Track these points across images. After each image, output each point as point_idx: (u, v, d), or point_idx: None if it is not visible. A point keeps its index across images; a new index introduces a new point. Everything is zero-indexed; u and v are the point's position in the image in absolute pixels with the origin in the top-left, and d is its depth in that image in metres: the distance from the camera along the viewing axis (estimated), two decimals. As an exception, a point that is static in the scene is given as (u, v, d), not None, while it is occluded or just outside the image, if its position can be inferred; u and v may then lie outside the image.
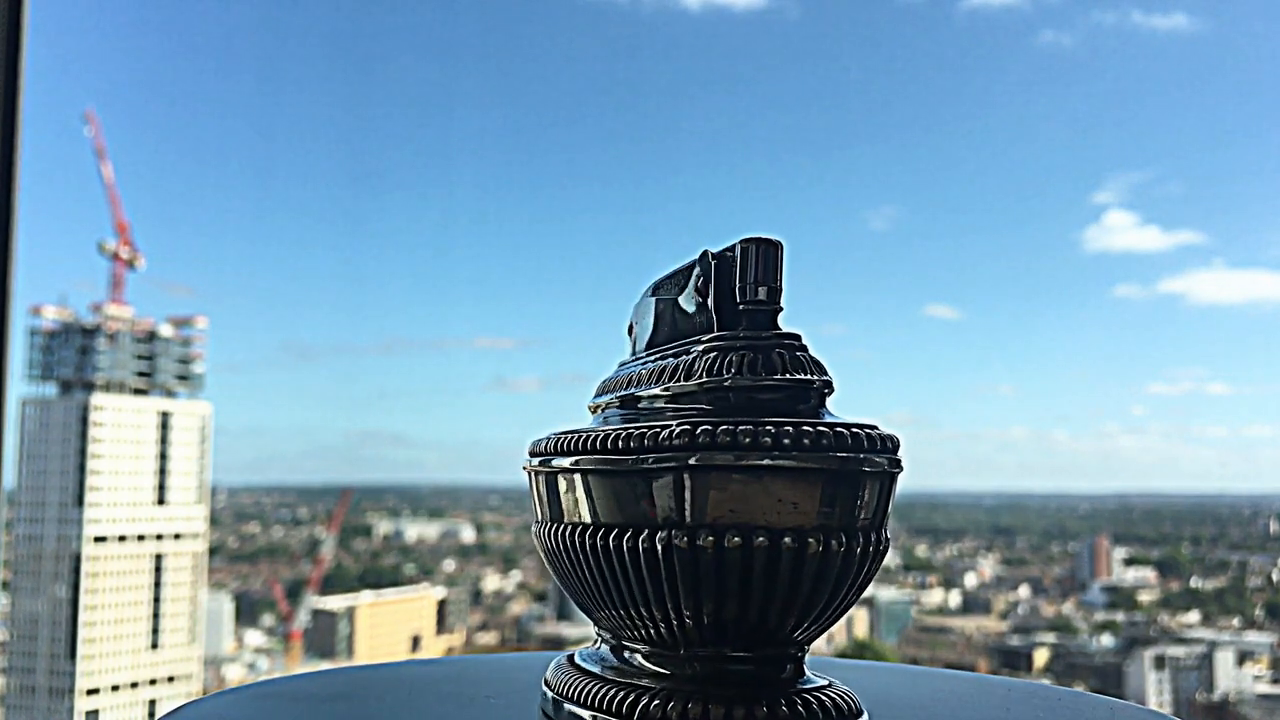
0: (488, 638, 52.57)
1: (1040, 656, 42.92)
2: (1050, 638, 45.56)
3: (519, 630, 51.19)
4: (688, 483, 0.49)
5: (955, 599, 52.39)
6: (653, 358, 0.57)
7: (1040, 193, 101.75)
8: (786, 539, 0.48)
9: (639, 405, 0.55)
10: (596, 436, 0.52)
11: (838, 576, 0.50)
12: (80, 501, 46.06)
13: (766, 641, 0.51)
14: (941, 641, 46.52)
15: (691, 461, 0.48)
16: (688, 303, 0.56)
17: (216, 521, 59.00)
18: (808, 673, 0.53)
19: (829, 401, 0.53)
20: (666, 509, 0.49)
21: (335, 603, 55.56)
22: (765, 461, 0.48)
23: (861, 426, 0.51)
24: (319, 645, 53.54)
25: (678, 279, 0.57)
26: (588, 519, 0.52)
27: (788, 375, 0.51)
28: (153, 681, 46.37)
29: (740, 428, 0.48)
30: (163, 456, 49.06)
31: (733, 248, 0.53)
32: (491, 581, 58.71)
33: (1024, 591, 52.44)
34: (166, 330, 51.60)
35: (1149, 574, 52.36)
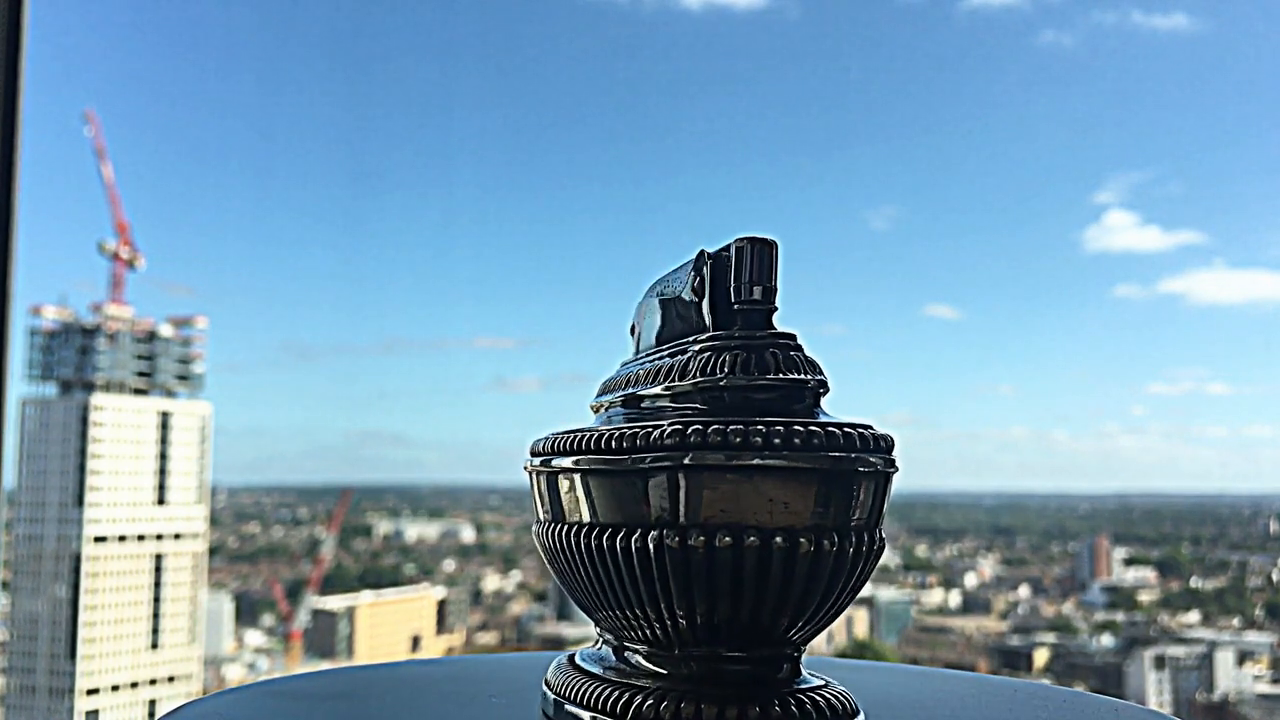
0: (488, 638, 52.57)
1: (1040, 656, 42.92)
2: (1050, 638, 45.55)
3: (519, 630, 51.19)
4: (679, 482, 0.49)
5: (955, 599, 52.39)
6: (651, 357, 0.57)
7: (1040, 193, 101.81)
8: (778, 539, 0.48)
9: (637, 405, 0.55)
10: (592, 436, 0.52)
11: (830, 576, 0.49)
12: (80, 501, 46.06)
13: (761, 642, 0.51)
14: (941, 641, 46.52)
15: (683, 461, 0.48)
16: (685, 303, 0.56)
17: (216, 521, 59.00)
18: (804, 673, 0.53)
19: (825, 401, 0.53)
20: (658, 509, 0.49)
21: (335, 603, 55.55)
22: (755, 461, 0.48)
23: (854, 426, 0.50)
24: (319, 645, 53.54)
25: (676, 279, 0.57)
26: (584, 518, 0.52)
27: (781, 375, 0.51)
28: (153, 681, 46.37)
29: (731, 427, 0.48)
30: (163, 456, 49.06)
31: (729, 247, 0.53)
32: (491, 581, 58.71)
33: (1024, 591, 52.45)
34: (166, 330, 51.60)
35: (1149, 574, 52.36)
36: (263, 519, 66.54)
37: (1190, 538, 56.68)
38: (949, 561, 56.88)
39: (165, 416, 49.74)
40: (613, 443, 0.51)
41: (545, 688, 0.56)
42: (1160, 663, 40.18)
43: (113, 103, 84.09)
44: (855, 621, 48.66)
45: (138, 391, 49.97)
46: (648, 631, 0.52)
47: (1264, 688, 39.33)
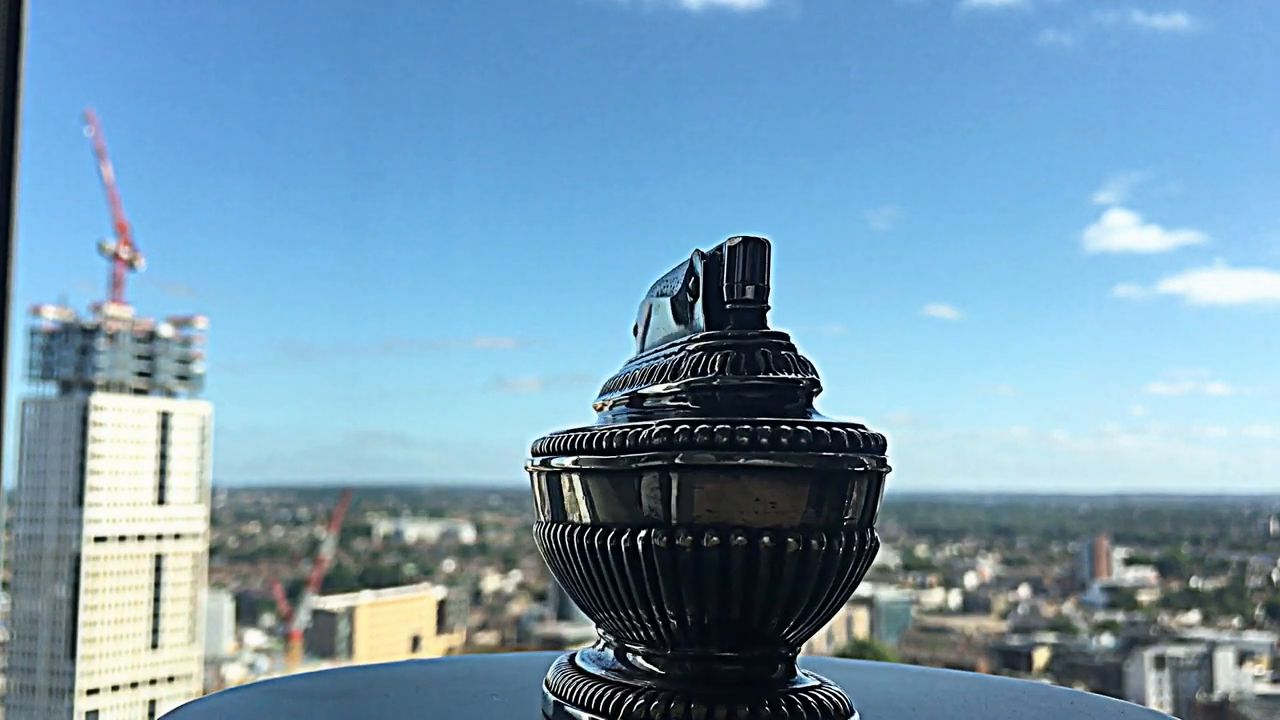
0: (488, 638, 52.59)
1: (1040, 656, 42.94)
2: (1050, 638, 45.57)
3: (519, 630, 51.20)
4: (667, 482, 0.49)
5: (955, 599, 52.40)
6: (648, 357, 0.58)
7: (1040, 193, 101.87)
8: (765, 538, 0.48)
9: (633, 405, 0.56)
10: (587, 436, 0.52)
11: (820, 576, 0.49)
12: (80, 501, 46.07)
13: (754, 642, 0.51)
14: (941, 641, 46.53)
15: (669, 461, 0.49)
16: (681, 302, 0.56)
17: (216, 521, 59.02)
18: (799, 673, 0.53)
19: (819, 401, 0.53)
20: (648, 509, 0.49)
21: (335, 603, 55.57)
22: (741, 461, 0.48)
23: (844, 425, 0.50)
24: (319, 645, 53.55)
25: (675, 278, 0.57)
26: (580, 518, 0.53)
27: (771, 374, 0.51)
28: (153, 681, 46.38)
29: (718, 427, 0.48)
30: (163, 456, 49.07)
31: (722, 247, 0.53)
32: (491, 581, 58.73)
33: (1024, 591, 52.46)
34: (166, 330, 51.60)
35: (1149, 574, 52.38)
36: (263, 519, 66.56)
37: (1190, 538, 56.70)
38: (949, 561, 56.89)
39: (165, 416, 49.74)
40: (604, 442, 0.51)
41: (545, 688, 0.56)
42: (1160, 663, 40.19)
43: (113, 103, 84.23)
44: (855, 621, 48.66)
45: (138, 391, 49.97)
46: (642, 632, 0.52)
47: (1264, 688, 39.34)
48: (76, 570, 45.25)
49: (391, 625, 54.30)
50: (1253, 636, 43.58)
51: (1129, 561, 53.58)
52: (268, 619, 56.36)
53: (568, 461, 0.53)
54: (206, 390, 57.68)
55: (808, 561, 0.48)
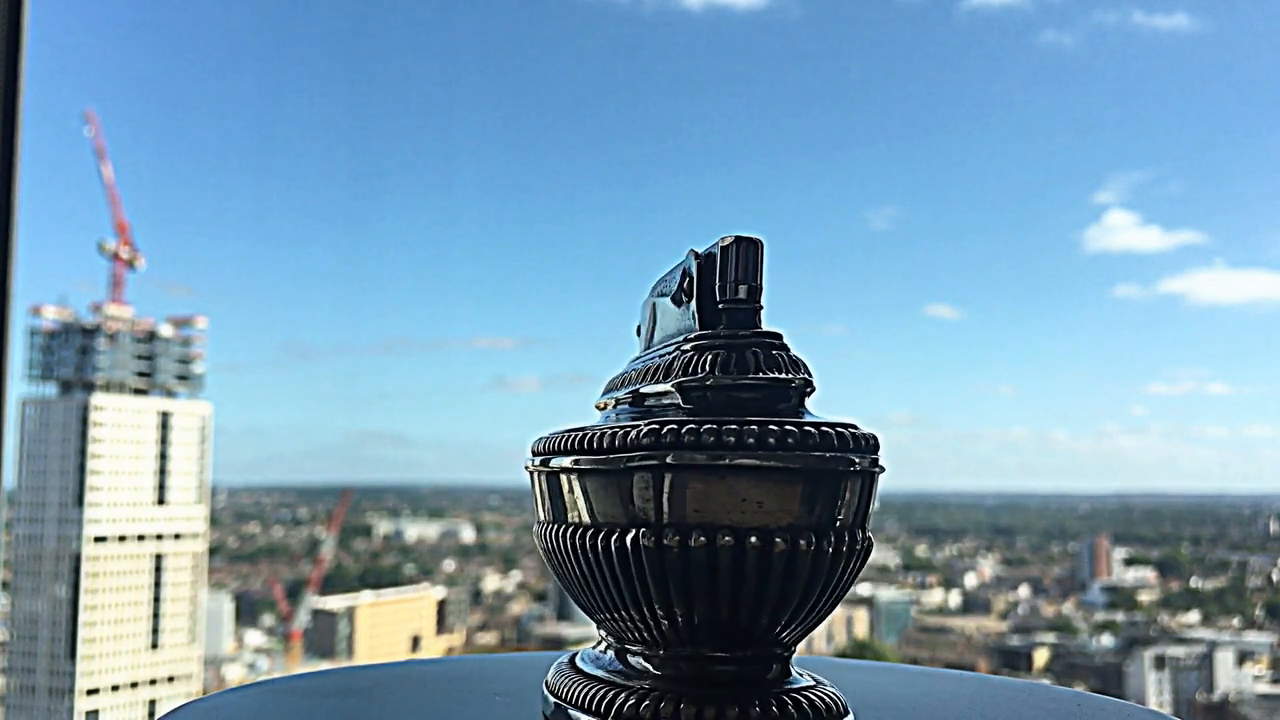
0: (488, 638, 52.58)
1: (1040, 656, 42.93)
2: (1050, 638, 45.56)
3: (519, 630, 51.19)
4: (655, 482, 0.49)
5: (955, 599, 52.39)
6: (646, 357, 0.58)
7: (1040, 193, 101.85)
8: (752, 538, 0.47)
9: (631, 405, 0.56)
10: (581, 436, 0.53)
11: (809, 577, 0.49)
12: (80, 501, 46.06)
13: (746, 642, 0.51)
14: (941, 641, 46.52)
15: (658, 461, 0.49)
16: (677, 302, 0.56)
17: (216, 521, 59.01)
18: (794, 673, 0.53)
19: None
20: (637, 509, 0.49)
21: (335, 603, 55.56)
22: (727, 461, 0.48)
23: (834, 425, 0.50)
24: (319, 645, 53.55)
25: (673, 278, 0.57)
26: (575, 518, 0.53)
27: (762, 374, 0.51)
28: (153, 681, 46.38)
29: (705, 427, 0.48)
30: (163, 456, 49.07)
31: (715, 246, 0.54)
32: (491, 581, 58.72)
33: (1024, 591, 52.45)
34: (166, 330, 51.60)
35: (1149, 574, 52.37)
36: (263, 519, 66.54)
37: (1190, 538, 56.68)
38: (949, 561, 56.87)
39: (165, 416, 49.74)
40: (596, 442, 0.51)
41: (545, 688, 0.56)
42: (1160, 663, 40.19)
43: (113, 103, 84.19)
44: (855, 621, 48.66)
45: (138, 391, 49.97)
46: (637, 633, 0.52)
47: (1264, 688, 39.34)
48: (76, 570, 45.25)
49: (391, 625, 54.30)
50: (1253, 636, 43.57)
51: (1129, 561, 53.57)
52: (268, 619, 56.35)
53: (564, 461, 0.53)
54: (206, 390, 57.69)
55: (796, 561, 0.48)
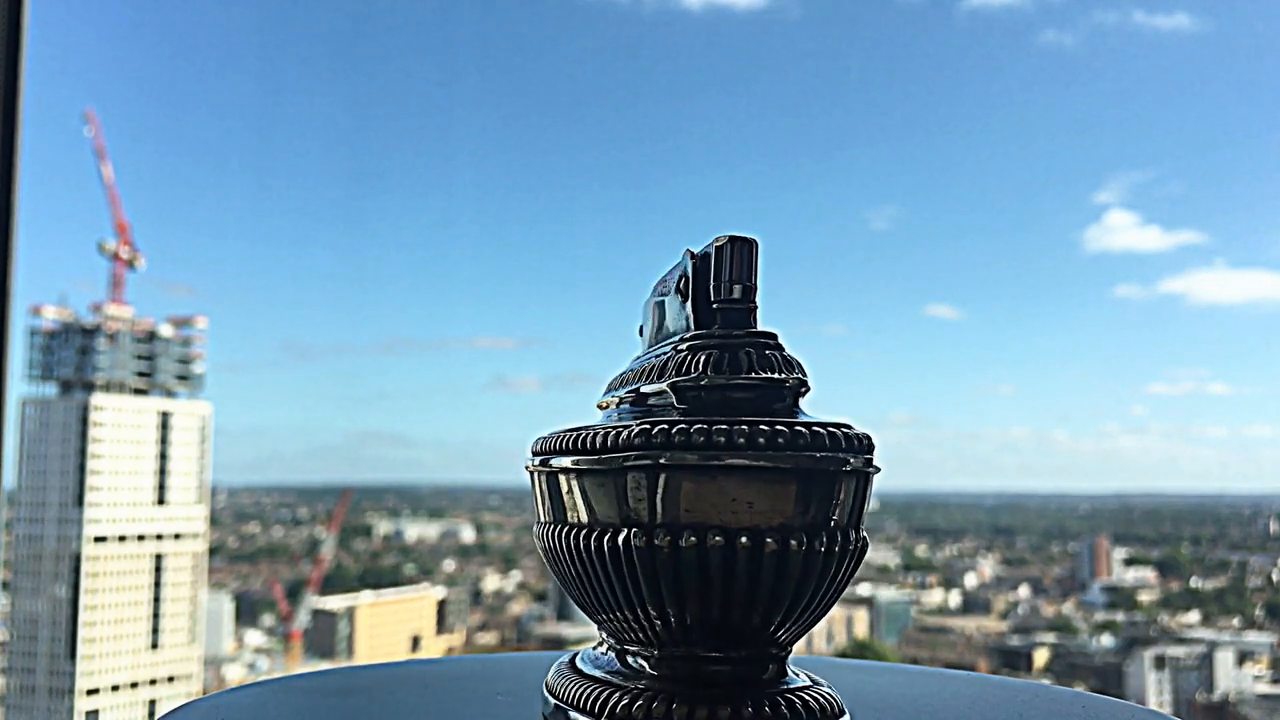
0: (488, 638, 52.58)
1: (1040, 656, 42.93)
2: (1050, 638, 45.56)
3: (519, 630, 51.19)
4: (647, 482, 0.49)
5: (955, 599, 52.39)
6: (644, 357, 0.58)
7: (1040, 193, 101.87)
8: (742, 539, 0.47)
9: (629, 405, 0.56)
10: (576, 436, 0.53)
11: (801, 577, 0.49)
12: (80, 501, 46.06)
13: (739, 642, 0.50)
14: (941, 641, 46.52)
15: (649, 461, 0.49)
16: (674, 302, 0.56)
17: (216, 521, 59.00)
18: (790, 673, 0.52)
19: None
20: (630, 509, 0.49)
21: (335, 603, 55.56)
22: (717, 461, 0.48)
23: (826, 425, 0.50)
24: (319, 645, 53.54)
25: (672, 278, 0.57)
26: (572, 518, 0.53)
27: (755, 374, 0.51)
28: (153, 681, 46.37)
29: (695, 427, 0.48)
30: (163, 456, 49.06)
31: (710, 246, 0.54)
32: (491, 581, 58.71)
33: (1024, 591, 52.45)
34: (166, 330, 51.60)
35: (1149, 574, 52.36)
36: (263, 519, 66.54)
37: (1190, 538, 56.68)
38: (949, 561, 56.87)
39: (165, 416, 49.74)
40: (590, 442, 0.51)
41: (545, 689, 0.57)
42: (1160, 663, 40.18)
43: (113, 103, 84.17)
44: (855, 621, 48.66)
45: (138, 391, 49.97)
46: (633, 633, 0.52)
47: (1264, 688, 39.33)
48: (76, 570, 45.25)
49: (391, 625, 54.30)
50: (1253, 636, 43.57)
51: (1129, 561, 53.57)
52: (268, 619, 56.35)
53: (561, 461, 0.53)
54: (206, 390, 57.70)
55: (787, 562, 0.48)
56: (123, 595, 46.55)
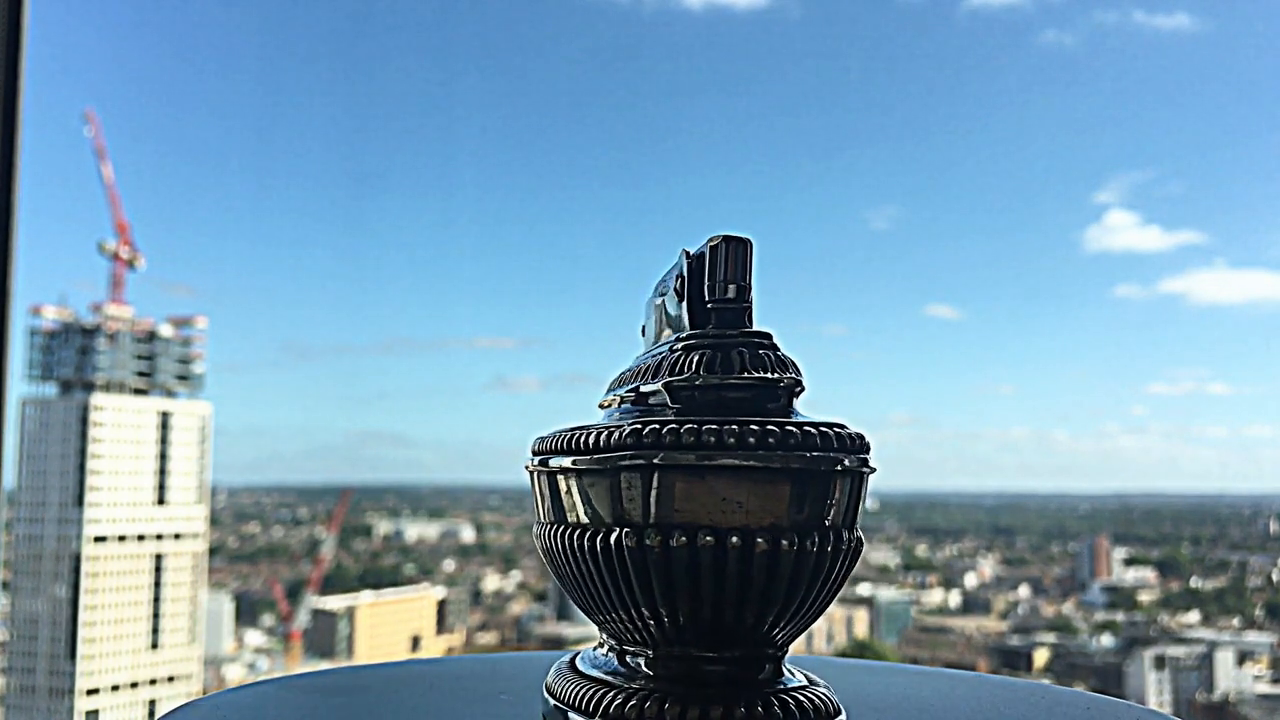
0: (488, 638, 52.58)
1: (1040, 656, 42.94)
2: (1050, 638, 45.57)
3: (519, 630, 51.19)
4: (638, 482, 0.49)
5: (955, 599, 52.40)
6: (642, 357, 0.58)
7: (1040, 193, 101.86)
8: (733, 538, 0.47)
9: (626, 405, 0.56)
10: (571, 436, 0.53)
11: (792, 577, 0.49)
12: (80, 501, 46.06)
13: (733, 642, 0.50)
14: (942, 641, 46.53)
15: (640, 461, 0.49)
16: (670, 302, 0.56)
17: (216, 521, 59.01)
18: (787, 673, 0.52)
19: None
20: (621, 509, 0.50)
21: (335, 603, 55.56)
22: (706, 461, 0.48)
23: (818, 425, 0.50)
24: (319, 645, 53.55)
25: (670, 278, 0.57)
26: (569, 518, 0.53)
27: (747, 374, 0.51)
28: (153, 681, 46.38)
29: (685, 427, 0.48)
30: (163, 456, 49.06)
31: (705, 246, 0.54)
32: (491, 581, 58.72)
33: (1024, 591, 52.46)
34: (166, 330, 51.60)
35: (1149, 574, 52.37)
36: (263, 519, 66.54)
37: (1190, 538, 56.68)
38: (949, 561, 56.88)
39: (165, 416, 49.74)
40: (586, 442, 0.51)
41: (544, 689, 0.57)
42: (1160, 663, 40.19)
43: (113, 103, 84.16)
44: (855, 621, 48.68)
45: (138, 391, 49.97)
46: (629, 633, 0.52)
47: (1264, 688, 39.34)
48: (76, 570, 45.25)
49: (391, 625, 54.30)
50: (1253, 636, 43.57)
51: (1129, 561, 53.57)
52: (268, 619, 56.35)
53: (561, 461, 0.53)
54: (206, 390, 57.70)
55: (778, 562, 0.48)
56: (123, 595, 46.55)
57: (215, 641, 51.87)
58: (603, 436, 0.50)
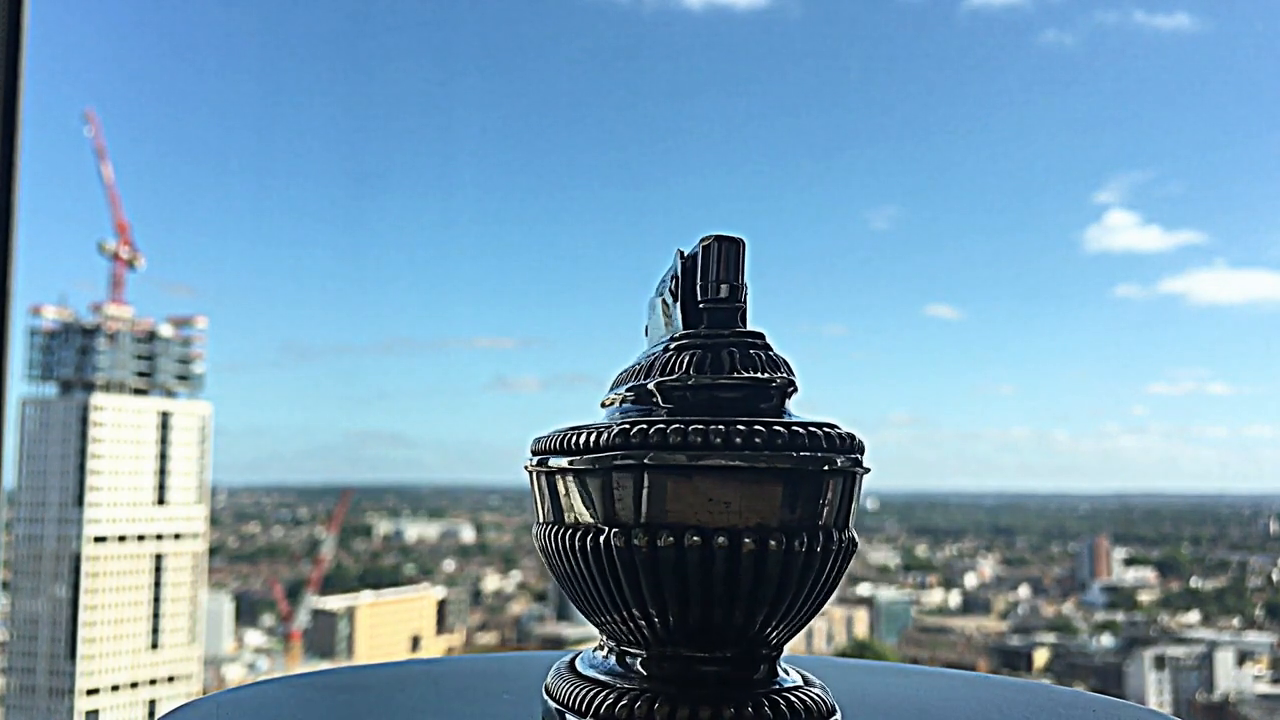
0: (488, 638, 52.58)
1: (1040, 656, 42.93)
2: (1050, 638, 45.56)
3: (519, 630, 51.19)
4: (627, 483, 0.49)
5: (955, 599, 52.40)
6: (639, 357, 0.58)
7: (1041, 193, 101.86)
8: (720, 539, 0.47)
9: (623, 404, 0.56)
10: (565, 436, 0.53)
11: (781, 577, 0.49)
12: (80, 501, 46.06)
13: (725, 642, 0.50)
14: (942, 641, 46.52)
15: (628, 462, 0.49)
16: (666, 302, 0.57)
17: (216, 521, 59.01)
18: (782, 673, 0.52)
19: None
20: (614, 509, 0.50)
21: (335, 603, 55.56)
22: (693, 461, 0.48)
23: (807, 425, 0.50)
24: (319, 645, 53.54)
25: (667, 278, 0.58)
26: (564, 518, 0.53)
27: (737, 374, 0.51)
28: (153, 681, 46.38)
29: (672, 427, 0.48)
30: (163, 456, 49.06)
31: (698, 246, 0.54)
32: (491, 581, 58.72)
33: (1024, 591, 52.45)
34: (166, 330, 51.60)
35: (1149, 574, 52.36)
36: (263, 519, 66.54)
37: (1190, 538, 56.68)
38: (949, 561, 56.87)
39: (165, 416, 49.74)
40: (579, 442, 0.51)
41: (544, 690, 0.57)
42: (1160, 663, 40.18)
43: (113, 103, 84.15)
44: (855, 621, 48.68)
45: (138, 391, 49.97)
46: (624, 633, 0.52)
47: (1264, 688, 39.33)
48: (76, 570, 45.24)
49: (391, 625, 54.30)
50: (1253, 636, 43.57)
51: (1129, 561, 53.57)
52: (268, 619, 56.35)
53: (558, 462, 0.53)
54: (206, 390, 57.73)
55: (765, 562, 0.48)
56: (123, 595, 46.55)
57: (215, 641, 51.87)
58: (594, 437, 0.51)
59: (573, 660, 0.57)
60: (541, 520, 0.55)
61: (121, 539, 47.15)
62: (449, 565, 61.38)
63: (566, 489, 0.52)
